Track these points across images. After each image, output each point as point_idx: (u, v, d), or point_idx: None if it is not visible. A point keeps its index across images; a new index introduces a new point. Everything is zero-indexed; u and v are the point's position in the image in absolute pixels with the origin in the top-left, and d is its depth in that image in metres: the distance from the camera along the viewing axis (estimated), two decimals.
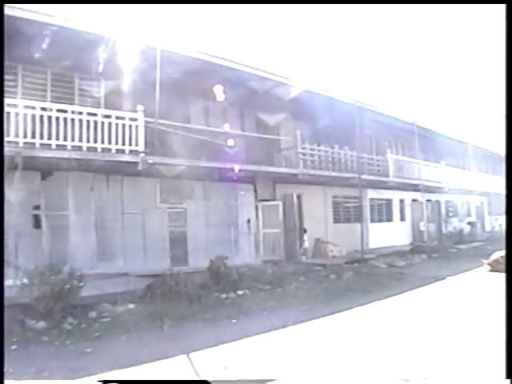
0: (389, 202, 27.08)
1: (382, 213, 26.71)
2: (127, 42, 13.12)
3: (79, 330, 8.91)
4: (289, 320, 9.52)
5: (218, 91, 16.32)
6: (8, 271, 12.45)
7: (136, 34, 13.36)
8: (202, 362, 7.02)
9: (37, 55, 12.80)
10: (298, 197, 19.63)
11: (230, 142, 16.57)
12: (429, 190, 26.77)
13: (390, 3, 17.79)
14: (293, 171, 18.25)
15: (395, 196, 27.05)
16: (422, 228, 27.74)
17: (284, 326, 9.15)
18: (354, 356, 7.13)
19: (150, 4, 14.42)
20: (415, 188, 25.46)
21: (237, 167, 15.56)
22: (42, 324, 8.91)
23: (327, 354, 7.30)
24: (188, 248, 16.38)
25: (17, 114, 11.98)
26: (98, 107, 14.26)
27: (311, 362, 6.92)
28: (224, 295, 12.06)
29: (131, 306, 10.51)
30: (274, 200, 19.14)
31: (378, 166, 23.16)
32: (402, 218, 27.94)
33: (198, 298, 11.37)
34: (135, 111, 13.72)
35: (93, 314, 9.92)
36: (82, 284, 10.08)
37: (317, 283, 14.20)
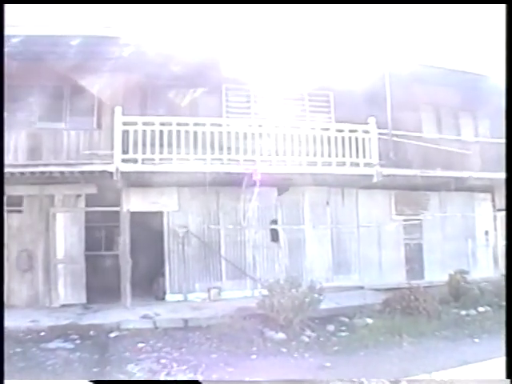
0: None
1: None
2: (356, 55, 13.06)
3: (317, 343, 8.83)
4: None
5: (448, 97, 15.51)
6: (246, 283, 13.05)
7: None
8: None
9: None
10: None
11: (465, 150, 15.58)
12: None
13: (390, 3, 15.63)
14: None
15: None
16: None
17: None
18: None
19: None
20: None
21: (473, 175, 14.56)
22: (281, 335, 9.01)
23: None
24: (424, 261, 15.66)
25: (253, 135, 12.49)
26: (330, 121, 14.32)
27: None
28: (464, 312, 11.21)
29: (369, 320, 10.19)
30: None
31: None
32: None
33: (437, 314, 10.71)
34: (367, 123, 13.48)
35: (330, 327, 9.83)
36: (321, 297, 10.06)
37: None
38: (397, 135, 14.10)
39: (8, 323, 9.67)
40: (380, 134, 13.61)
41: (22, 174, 11.48)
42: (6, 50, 11.09)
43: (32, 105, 12.67)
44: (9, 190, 12.22)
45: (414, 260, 15.44)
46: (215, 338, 8.98)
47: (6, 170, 11.30)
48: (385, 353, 8.32)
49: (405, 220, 15.50)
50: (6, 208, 12.32)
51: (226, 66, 12.19)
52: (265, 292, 10.16)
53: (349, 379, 6.48)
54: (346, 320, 10.35)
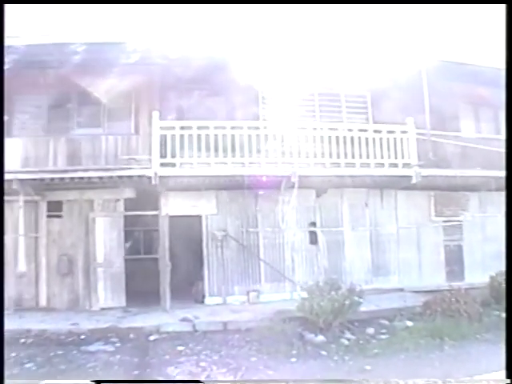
0: None
1: None
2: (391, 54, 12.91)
3: (357, 346, 8.73)
4: None
5: (486, 94, 15.18)
6: (285, 285, 13.00)
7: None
8: None
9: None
10: None
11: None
12: None
13: (390, 3, 15.21)
14: None
15: None
16: None
17: None
18: None
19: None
20: None
21: None
22: (320, 338, 8.95)
23: None
24: (464, 262, 15.34)
25: (290, 137, 12.43)
26: (366, 122, 14.17)
27: None
28: (505, 314, 10.93)
29: (409, 323, 10.06)
30: None
31: None
32: None
33: (478, 316, 10.45)
34: (404, 124, 13.28)
35: (370, 330, 9.72)
36: (361, 300, 9.96)
37: None
38: (435, 135, 13.87)
39: (49, 326, 9.93)
40: (418, 134, 13.40)
41: (62, 179, 11.64)
42: (43, 58, 11.43)
43: (70, 111, 12.89)
44: (49, 196, 12.48)
45: (454, 261, 15.14)
46: (255, 340, 8.97)
47: (47, 175, 11.59)
48: (425, 356, 8.19)
49: (444, 221, 15.22)
50: (46, 213, 12.58)
51: (262, 68, 12.17)
52: (304, 295, 10.07)
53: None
54: (386, 323, 10.23)
